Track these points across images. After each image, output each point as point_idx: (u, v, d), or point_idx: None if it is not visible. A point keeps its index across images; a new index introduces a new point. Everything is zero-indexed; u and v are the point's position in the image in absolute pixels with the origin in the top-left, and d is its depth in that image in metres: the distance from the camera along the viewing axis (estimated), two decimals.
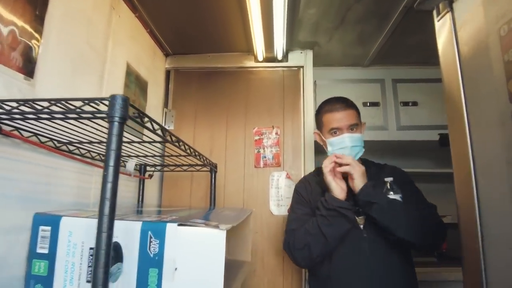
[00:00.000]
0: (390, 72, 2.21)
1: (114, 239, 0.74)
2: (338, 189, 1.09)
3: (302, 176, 1.77)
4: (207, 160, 1.44)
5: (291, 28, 1.75)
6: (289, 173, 1.81)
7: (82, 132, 0.88)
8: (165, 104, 1.98)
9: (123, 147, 1.13)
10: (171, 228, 0.71)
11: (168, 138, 0.92)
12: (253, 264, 1.68)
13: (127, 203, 1.45)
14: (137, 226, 0.73)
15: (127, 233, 0.73)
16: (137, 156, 1.31)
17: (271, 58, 1.97)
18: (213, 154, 1.87)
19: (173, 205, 1.79)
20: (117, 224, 0.75)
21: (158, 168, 1.60)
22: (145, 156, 1.32)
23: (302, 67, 1.97)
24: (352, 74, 2.22)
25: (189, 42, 1.93)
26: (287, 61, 1.98)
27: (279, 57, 1.95)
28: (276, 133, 1.87)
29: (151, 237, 0.71)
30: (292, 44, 1.93)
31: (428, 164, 2.38)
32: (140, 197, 1.54)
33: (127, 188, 1.48)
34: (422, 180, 2.32)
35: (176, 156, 1.31)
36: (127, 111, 0.61)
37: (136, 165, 1.50)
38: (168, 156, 1.45)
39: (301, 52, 1.98)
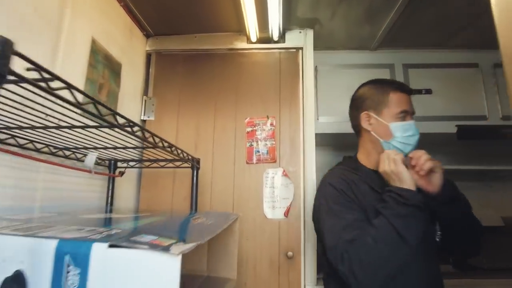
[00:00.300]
0: (400, 56, 1.96)
1: (18, 266, 0.50)
2: (411, 181, 0.85)
3: (301, 173, 1.53)
4: (186, 155, 1.19)
5: (288, 1, 1.50)
6: (286, 170, 1.57)
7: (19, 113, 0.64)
8: (145, 91, 1.74)
9: (81, 136, 0.90)
10: (98, 251, 0.47)
11: (117, 123, 0.67)
12: (240, 281, 1.44)
13: (86, 206, 1.21)
14: (49, 246, 0.48)
15: (35, 257, 0.49)
16: (105, 148, 1.07)
17: (265, 39, 1.72)
18: (199, 148, 1.63)
19: (150, 208, 1.55)
20: (22, 242, 0.51)
21: (132, 164, 1.36)
22: (115, 148, 1.07)
23: (301, 48, 1.72)
24: (357, 58, 1.97)
25: (173, 21, 1.68)
26: (284, 42, 1.73)
27: (275, 37, 1.70)
28: (271, 124, 1.62)
29: (68, 265, 0.47)
30: (289, 21, 1.68)
31: (444, 160, 2.12)
32: (109, 198, 1.29)
33: (90, 187, 1.24)
34: None
35: (152, 148, 1.07)
36: (6, 61, 0.36)
37: (102, 160, 1.26)
38: (139, 148, 1.21)
39: (300, 32, 1.74)
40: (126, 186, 1.52)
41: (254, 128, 1.62)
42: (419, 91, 1.90)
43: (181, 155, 1.16)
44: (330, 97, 1.90)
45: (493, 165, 1.99)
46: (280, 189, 1.54)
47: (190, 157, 1.25)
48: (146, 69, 1.77)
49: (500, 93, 1.89)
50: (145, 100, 1.71)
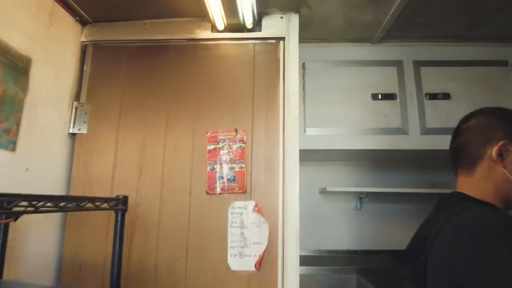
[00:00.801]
0: (411, 50, 1.56)
1: None
2: None
3: (280, 208, 1.13)
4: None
5: None
6: (259, 203, 1.16)
7: None
8: (77, 96, 1.31)
9: None
10: None
11: None
12: None
13: None
14: None
15: None
16: None
17: (236, 26, 1.30)
18: (144, 172, 1.21)
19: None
20: None
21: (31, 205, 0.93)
22: None
23: (283, 39, 1.31)
24: (357, 53, 1.56)
25: (116, 3, 1.26)
26: (260, 30, 1.32)
27: (248, 24, 1.29)
28: (241, 140, 1.21)
29: None
30: (267, 3, 1.26)
31: None
32: None
33: None
34: None
35: None
36: None
37: None
38: None
39: (282, 17, 1.32)
40: (41, 232, 1.11)
41: (218, 146, 1.21)
42: (434, 96, 1.49)
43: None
44: (321, 102, 1.49)
45: None
46: (251, 230, 1.13)
47: (105, 197, 0.84)
48: (80, 67, 1.35)
49: None
50: (76, 108, 1.28)
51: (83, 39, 1.36)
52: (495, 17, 1.36)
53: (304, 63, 1.52)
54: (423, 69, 1.52)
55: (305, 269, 1.61)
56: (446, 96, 1.49)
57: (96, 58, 1.35)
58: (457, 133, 0.84)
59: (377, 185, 1.72)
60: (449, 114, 1.47)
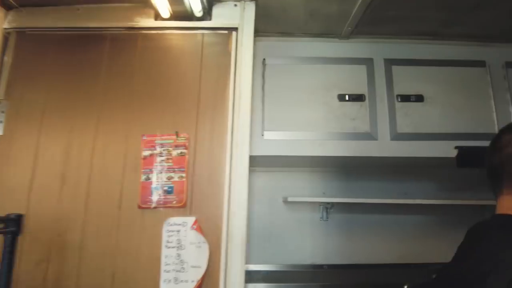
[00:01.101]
0: (382, 47, 1.42)
1: None
2: None
3: (224, 225, 0.97)
4: None
5: None
6: (200, 220, 1.00)
7: None
8: None
9: None
10: None
11: None
12: None
13: None
14: None
15: None
16: None
17: (183, 14, 1.14)
18: (68, 182, 1.03)
19: None
20: None
21: None
22: None
23: (236, 29, 1.15)
24: (324, 49, 1.41)
25: None
26: (210, 19, 1.16)
27: (197, 11, 1.12)
28: (183, 146, 1.05)
29: None
30: None
31: (437, 193, 1.61)
32: None
33: None
34: (426, 212, 1.57)
35: None
36: None
37: None
38: None
39: (236, 5, 1.16)
40: None
41: (155, 152, 1.04)
42: (406, 98, 1.36)
43: None
44: (282, 103, 1.34)
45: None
46: (189, 252, 0.97)
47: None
48: (0, 57, 1.16)
49: None
50: None
51: (5, 25, 1.17)
52: (471, 14, 1.24)
53: (264, 59, 1.36)
54: (395, 68, 1.39)
55: (266, 287, 1.46)
56: (419, 98, 1.36)
57: (20, 48, 1.17)
58: (501, 143, 0.68)
59: (346, 194, 1.58)
60: (422, 118, 1.34)
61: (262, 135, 1.31)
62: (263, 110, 1.32)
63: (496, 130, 1.34)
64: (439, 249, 1.58)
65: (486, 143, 1.33)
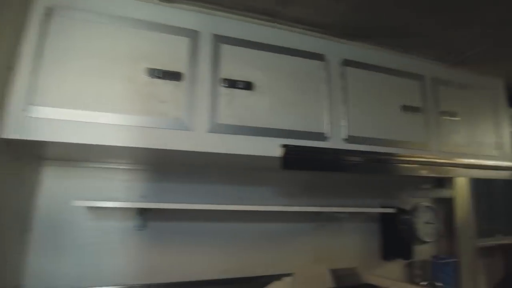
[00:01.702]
0: (212, 20, 1.17)
1: None
2: None
3: None
4: None
5: None
6: None
7: None
8: None
9: None
10: None
11: None
12: None
13: None
14: None
15: None
16: None
17: None
18: None
19: None
20: None
21: None
22: None
23: None
24: (138, 9, 1.09)
25: None
26: None
27: None
28: None
29: None
30: None
31: (277, 198, 1.44)
32: None
33: None
34: (265, 220, 1.38)
35: None
36: None
37: None
38: None
39: None
40: None
41: None
42: (233, 83, 1.14)
43: None
44: (67, 71, 0.97)
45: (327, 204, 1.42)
46: None
47: None
48: None
49: (350, 102, 1.30)
50: None
51: None
52: None
53: (50, 8, 0.97)
54: (224, 48, 1.15)
55: None
56: (248, 85, 1.15)
57: None
58: None
59: (167, 196, 1.30)
60: (248, 110, 1.13)
61: (25, 110, 0.91)
62: (36, 77, 0.92)
63: (328, 130, 1.22)
64: (272, 260, 1.44)
65: (316, 143, 1.23)
